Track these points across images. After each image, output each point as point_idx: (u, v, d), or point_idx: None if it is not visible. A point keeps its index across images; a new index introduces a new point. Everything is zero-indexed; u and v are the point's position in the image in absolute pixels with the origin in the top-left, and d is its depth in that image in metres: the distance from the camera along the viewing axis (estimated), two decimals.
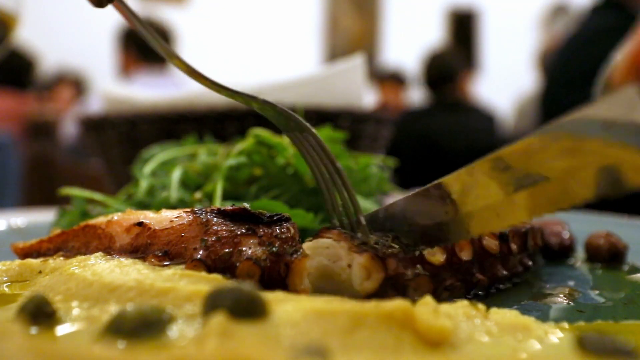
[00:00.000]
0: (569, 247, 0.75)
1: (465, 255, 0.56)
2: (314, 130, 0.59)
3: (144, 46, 3.43)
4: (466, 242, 0.56)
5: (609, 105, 0.42)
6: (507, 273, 0.60)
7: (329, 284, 0.52)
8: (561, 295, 0.57)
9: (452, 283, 0.54)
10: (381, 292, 0.50)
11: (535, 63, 4.79)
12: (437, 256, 0.53)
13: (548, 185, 0.45)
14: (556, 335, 0.38)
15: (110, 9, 0.58)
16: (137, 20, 0.58)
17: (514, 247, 0.61)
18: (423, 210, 0.54)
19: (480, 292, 0.57)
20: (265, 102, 0.59)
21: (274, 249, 0.51)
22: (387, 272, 0.50)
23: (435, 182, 0.53)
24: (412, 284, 0.50)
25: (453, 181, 0.51)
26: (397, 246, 0.52)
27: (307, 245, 0.54)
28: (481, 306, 0.43)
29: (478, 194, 0.49)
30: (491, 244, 0.58)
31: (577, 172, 0.43)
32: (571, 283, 0.62)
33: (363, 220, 0.55)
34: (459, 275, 0.55)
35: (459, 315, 0.41)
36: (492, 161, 0.48)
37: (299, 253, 0.51)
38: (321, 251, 0.53)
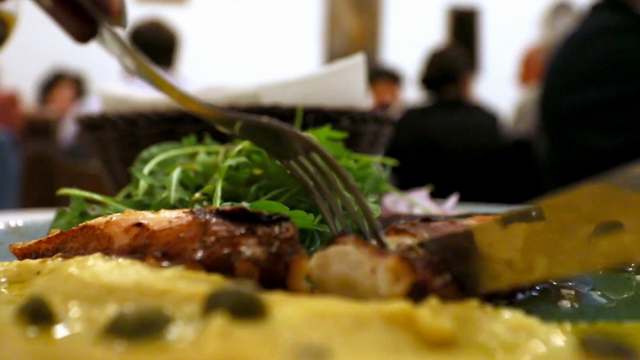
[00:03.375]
0: None
1: None
2: (322, 147, 0.57)
3: (145, 48, 3.42)
4: None
5: None
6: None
7: (350, 293, 0.47)
8: (563, 296, 0.57)
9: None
10: (408, 299, 0.44)
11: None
12: None
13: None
14: (559, 336, 0.38)
15: None
16: (125, 53, 0.57)
17: None
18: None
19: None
20: (268, 125, 0.58)
21: (273, 249, 0.50)
22: (416, 276, 0.45)
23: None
24: (440, 292, 0.45)
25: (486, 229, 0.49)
26: (421, 251, 0.48)
27: (323, 254, 0.50)
28: (484, 306, 0.42)
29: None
30: None
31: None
32: (572, 283, 0.62)
33: (380, 228, 0.53)
34: None
35: (461, 315, 0.40)
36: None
37: (298, 253, 0.51)
38: (340, 258, 0.49)
